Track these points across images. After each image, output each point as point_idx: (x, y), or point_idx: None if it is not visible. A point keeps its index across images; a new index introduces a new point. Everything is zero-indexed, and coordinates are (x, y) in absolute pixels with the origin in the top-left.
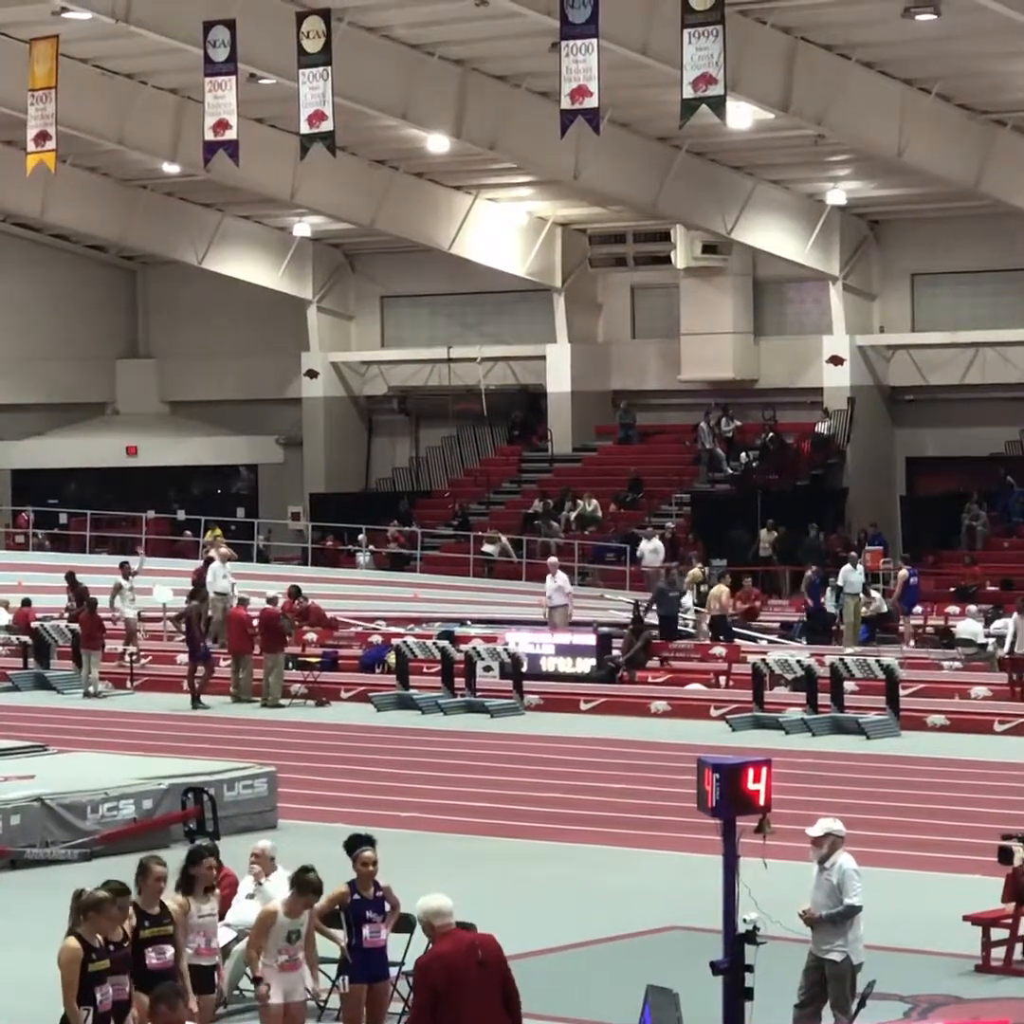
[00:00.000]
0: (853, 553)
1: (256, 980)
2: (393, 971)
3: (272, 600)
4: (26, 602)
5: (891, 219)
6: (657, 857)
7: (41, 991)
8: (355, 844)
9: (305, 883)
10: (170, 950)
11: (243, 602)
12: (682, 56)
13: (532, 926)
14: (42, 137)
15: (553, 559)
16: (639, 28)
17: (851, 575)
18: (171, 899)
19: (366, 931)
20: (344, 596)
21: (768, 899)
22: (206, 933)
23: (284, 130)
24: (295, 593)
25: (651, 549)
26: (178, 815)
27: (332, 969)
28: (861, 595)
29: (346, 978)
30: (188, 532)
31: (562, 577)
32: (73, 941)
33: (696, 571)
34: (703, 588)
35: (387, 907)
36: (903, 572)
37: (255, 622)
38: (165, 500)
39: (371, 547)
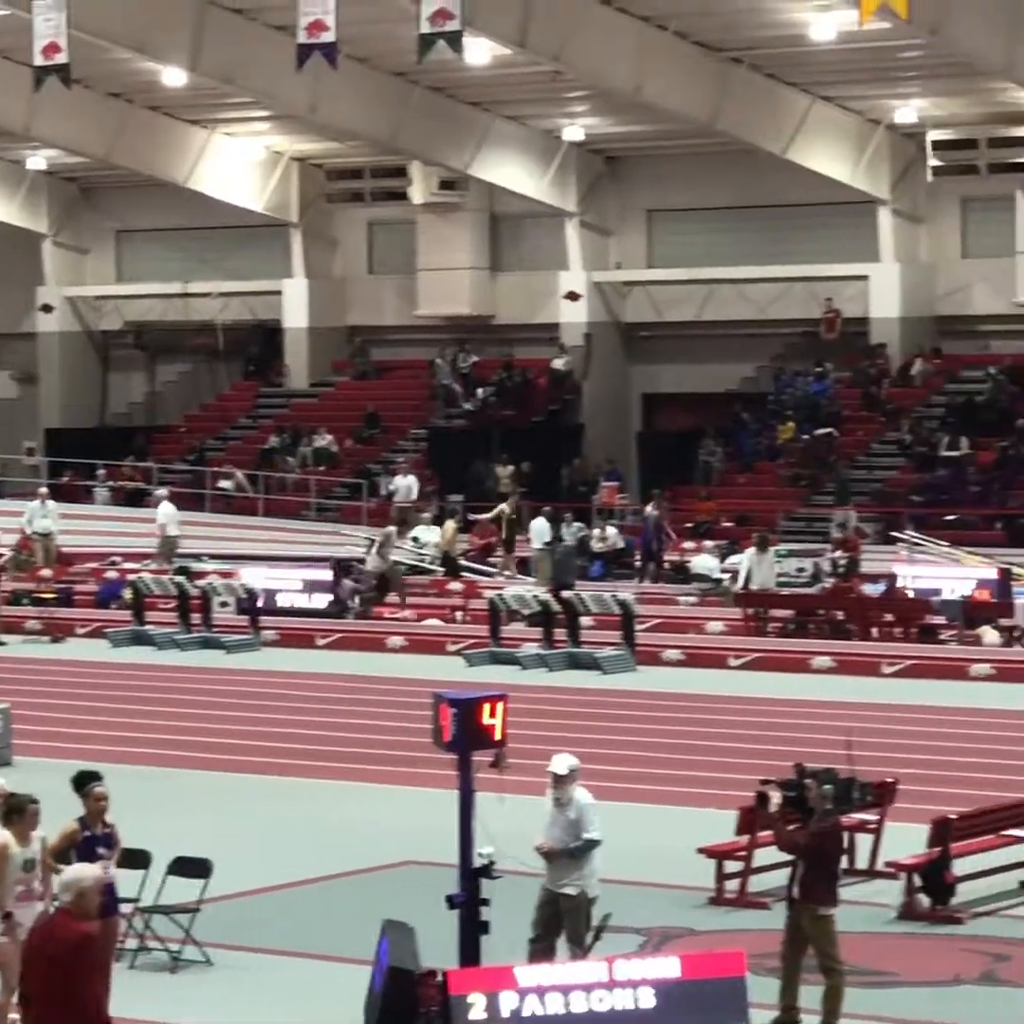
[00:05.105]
0: (547, 507)
1: (7, 915)
2: (127, 907)
3: None
4: None
5: (628, 155)
6: (394, 792)
7: None
8: (84, 781)
9: (11, 807)
10: None
11: None
12: None
13: (269, 862)
14: None
15: (161, 491)
16: None
17: (537, 525)
18: None
19: (98, 867)
20: (81, 531)
21: (504, 833)
22: None
23: (18, 62)
24: None
25: (406, 485)
26: None
27: None
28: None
29: None
30: None
31: (170, 507)
32: None
33: (450, 524)
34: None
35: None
36: (649, 509)
37: None
38: None
39: (110, 483)
